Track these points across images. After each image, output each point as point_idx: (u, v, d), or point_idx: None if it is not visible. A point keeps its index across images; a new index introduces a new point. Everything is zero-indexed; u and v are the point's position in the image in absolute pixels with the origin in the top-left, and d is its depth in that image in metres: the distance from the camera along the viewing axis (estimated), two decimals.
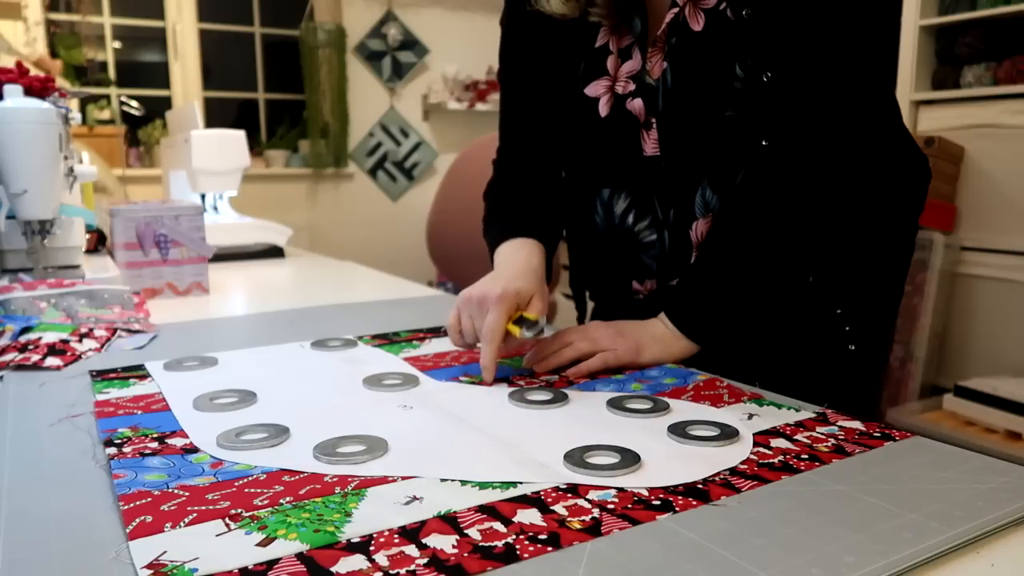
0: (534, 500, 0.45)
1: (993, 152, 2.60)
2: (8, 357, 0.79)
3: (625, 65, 0.84)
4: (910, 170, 0.87)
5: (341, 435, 0.55)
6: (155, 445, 0.55)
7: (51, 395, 0.69)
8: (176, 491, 0.47)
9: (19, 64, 1.08)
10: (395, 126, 4.43)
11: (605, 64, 0.85)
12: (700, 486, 0.47)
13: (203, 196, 1.80)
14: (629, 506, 0.45)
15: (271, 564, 0.38)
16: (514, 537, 0.41)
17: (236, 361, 0.80)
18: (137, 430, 0.58)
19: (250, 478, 0.49)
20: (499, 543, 0.40)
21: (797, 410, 0.62)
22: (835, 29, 0.73)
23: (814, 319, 0.84)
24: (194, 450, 0.54)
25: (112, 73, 3.89)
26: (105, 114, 3.75)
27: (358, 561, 0.38)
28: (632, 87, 0.83)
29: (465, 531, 0.41)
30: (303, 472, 0.50)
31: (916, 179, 0.88)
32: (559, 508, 0.44)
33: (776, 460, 0.51)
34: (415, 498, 0.46)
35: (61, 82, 3.22)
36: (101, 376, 0.74)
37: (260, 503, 0.45)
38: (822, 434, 0.56)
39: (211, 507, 0.44)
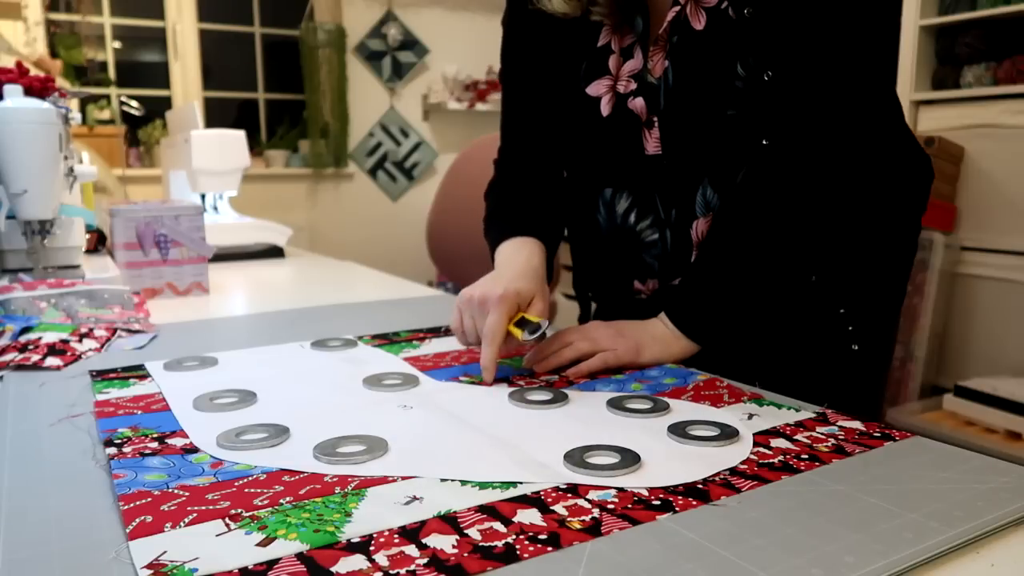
0: (534, 500, 0.45)
1: (993, 152, 2.60)
2: (8, 357, 0.79)
3: (627, 64, 0.84)
4: (913, 169, 0.87)
5: (341, 435, 0.55)
6: (155, 445, 0.55)
7: (51, 395, 0.69)
8: (176, 491, 0.47)
9: (19, 64, 1.08)
10: (395, 126, 4.43)
11: (607, 63, 0.85)
12: (700, 486, 0.47)
13: (203, 196, 1.80)
14: (629, 506, 0.45)
15: (271, 564, 0.38)
16: (514, 537, 0.41)
17: (236, 361, 0.80)
18: (137, 430, 0.58)
19: (250, 478, 0.49)
20: (499, 543, 0.40)
21: (797, 410, 0.62)
22: (836, 28, 0.73)
23: (817, 319, 0.84)
24: (194, 450, 0.54)
25: (112, 73, 3.89)
26: (105, 114, 3.75)
27: (358, 561, 0.38)
28: (633, 86, 0.83)
29: (465, 531, 0.41)
30: (303, 472, 0.50)
31: (919, 179, 0.88)
32: (559, 508, 0.44)
33: (776, 460, 0.51)
34: (415, 498, 0.46)
35: (61, 82, 3.22)
36: (101, 376, 0.74)
37: (260, 503, 0.45)
38: (822, 434, 0.56)
39: (211, 507, 0.44)
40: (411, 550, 0.39)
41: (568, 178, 0.94)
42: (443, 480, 0.48)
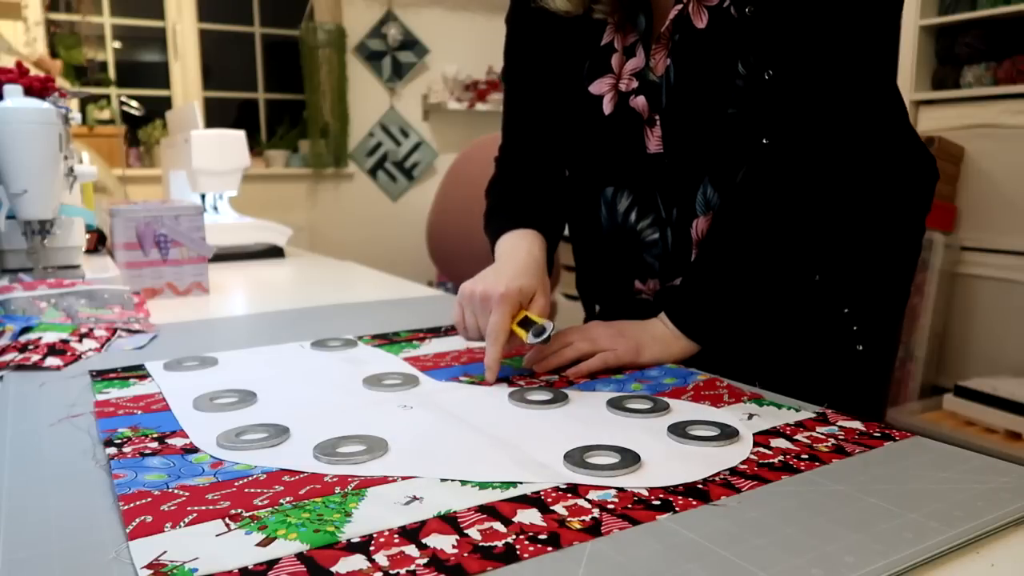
0: (534, 500, 0.45)
1: (993, 152, 2.60)
2: (8, 357, 0.79)
3: (629, 62, 0.84)
4: (917, 169, 0.87)
5: (341, 435, 0.55)
6: (155, 445, 0.55)
7: (51, 395, 0.69)
8: (176, 491, 0.47)
9: (19, 64, 1.08)
10: (395, 126, 4.43)
11: (609, 62, 0.85)
12: (700, 486, 0.47)
13: (203, 196, 1.80)
14: (629, 506, 0.45)
15: (271, 564, 0.38)
16: (514, 537, 0.41)
17: (236, 361, 0.80)
18: (137, 430, 0.58)
19: (250, 478, 0.49)
20: (499, 543, 0.40)
21: (797, 410, 0.62)
22: (838, 28, 0.73)
23: (821, 318, 0.84)
24: (194, 450, 0.54)
25: (112, 73, 3.89)
26: (105, 114, 3.75)
27: (358, 561, 0.38)
28: (635, 84, 0.83)
29: (465, 531, 0.41)
30: (303, 472, 0.50)
31: (923, 178, 0.88)
32: (559, 508, 0.44)
33: (776, 460, 0.51)
34: (415, 498, 0.46)
35: (61, 82, 3.22)
36: (101, 376, 0.74)
37: (260, 503, 0.45)
38: (822, 434, 0.56)
39: (211, 507, 0.44)
40: (411, 550, 0.39)
41: (569, 177, 0.95)
42: (443, 480, 0.48)
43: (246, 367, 0.77)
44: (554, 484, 0.48)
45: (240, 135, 1.75)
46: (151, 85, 3.99)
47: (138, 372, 0.76)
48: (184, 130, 1.80)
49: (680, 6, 0.78)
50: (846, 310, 0.84)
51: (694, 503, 0.45)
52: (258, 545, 0.40)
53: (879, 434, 0.56)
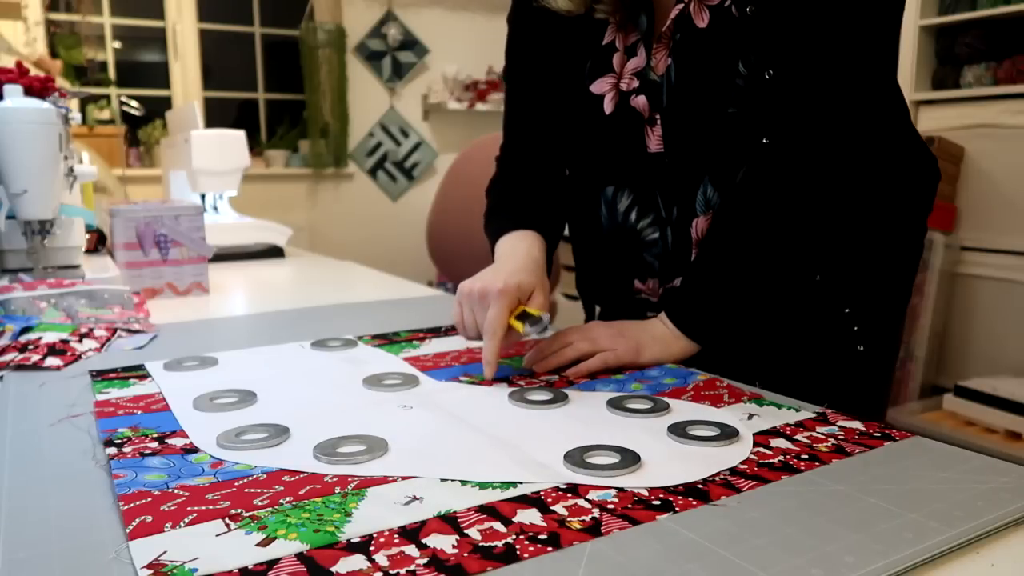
0: (534, 500, 0.45)
1: (993, 152, 2.60)
2: (8, 357, 0.79)
3: (630, 62, 0.84)
4: (918, 169, 0.87)
5: (341, 435, 0.55)
6: (155, 445, 0.55)
7: (51, 395, 0.69)
8: (176, 491, 0.47)
9: (19, 64, 1.08)
10: (395, 126, 4.43)
11: (611, 61, 0.85)
12: (700, 486, 0.47)
13: (203, 196, 1.80)
14: (629, 506, 0.45)
15: (271, 564, 0.38)
16: (514, 537, 0.41)
17: (236, 361, 0.80)
18: (137, 430, 0.58)
19: (250, 478, 0.49)
20: (499, 543, 0.40)
21: (797, 410, 0.62)
22: (840, 28, 0.73)
23: (822, 318, 0.84)
24: (194, 450, 0.54)
25: (112, 73, 3.89)
26: (105, 114, 3.75)
27: (358, 561, 0.38)
28: (636, 84, 0.83)
29: (465, 531, 0.41)
30: (303, 472, 0.50)
31: (924, 178, 0.88)
32: (559, 508, 0.44)
33: (776, 460, 0.51)
34: (415, 498, 0.46)
35: (61, 82, 3.22)
36: (101, 376, 0.74)
37: (260, 503, 0.45)
38: (822, 434, 0.56)
39: (211, 507, 0.44)
40: (411, 550, 0.39)
41: (570, 176, 0.95)
42: (443, 480, 0.48)
43: (246, 367, 0.77)
44: (554, 484, 0.48)
45: (240, 135, 1.75)
46: (151, 85, 3.99)
47: (138, 372, 0.76)
48: (184, 130, 1.80)
49: (681, 5, 0.78)
50: (847, 310, 0.83)
51: (694, 503, 0.45)
52: (258, 545, 0.40)
53: (879, 434, 0.56)
